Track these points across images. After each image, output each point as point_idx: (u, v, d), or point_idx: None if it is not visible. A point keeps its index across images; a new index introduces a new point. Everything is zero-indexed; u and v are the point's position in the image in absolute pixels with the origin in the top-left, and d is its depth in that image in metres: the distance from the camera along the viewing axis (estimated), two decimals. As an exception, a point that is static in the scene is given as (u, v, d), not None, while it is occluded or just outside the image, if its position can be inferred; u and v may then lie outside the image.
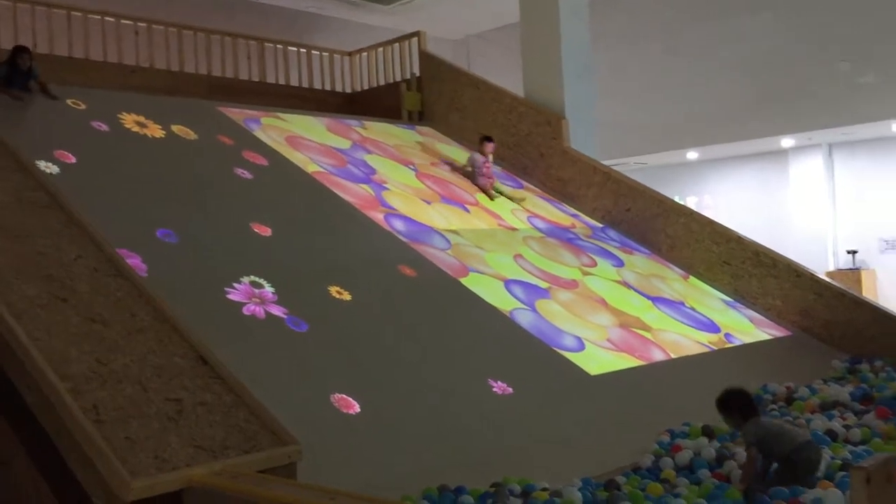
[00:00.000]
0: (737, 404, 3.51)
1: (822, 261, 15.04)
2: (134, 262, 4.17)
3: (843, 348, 6.17)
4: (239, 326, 4.10)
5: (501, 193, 7.56)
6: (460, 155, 8.27)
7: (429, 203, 6.73)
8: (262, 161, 6.24)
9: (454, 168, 7.89)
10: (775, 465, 3.40)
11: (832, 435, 4.11)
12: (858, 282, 14.47)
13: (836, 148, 15.78)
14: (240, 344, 3.93)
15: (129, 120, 6.10)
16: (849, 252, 15.28)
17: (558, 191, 8.04)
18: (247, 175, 5.89)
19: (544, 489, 3.36)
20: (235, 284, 4.42)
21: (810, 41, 11.64)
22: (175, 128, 6.24)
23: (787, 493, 3.18)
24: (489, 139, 7.87)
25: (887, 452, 3.68)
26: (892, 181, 15.20)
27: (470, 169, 7.76)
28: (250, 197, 5.62)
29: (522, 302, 5.54)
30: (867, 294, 13.17)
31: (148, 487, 2.38)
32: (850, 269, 15.17)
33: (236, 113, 7.09)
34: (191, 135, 6.24)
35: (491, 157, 7.81)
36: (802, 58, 11.68)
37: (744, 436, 3.44)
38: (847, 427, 4.24)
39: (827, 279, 6.85)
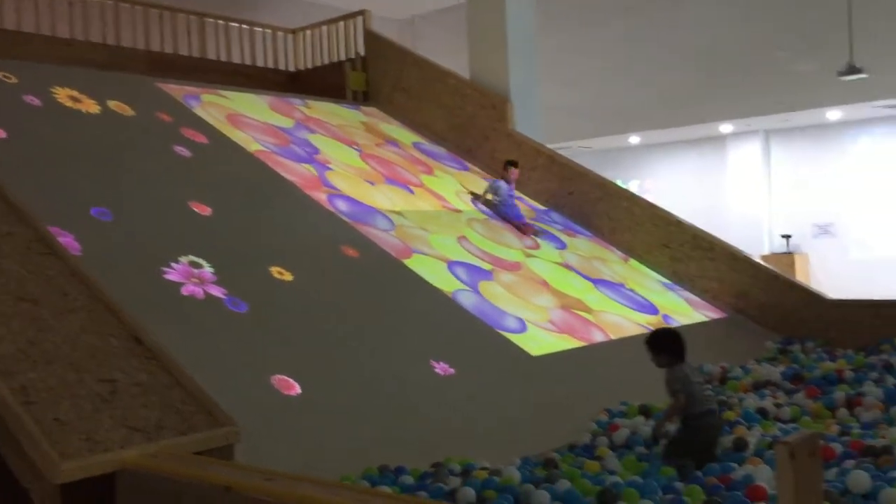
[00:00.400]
0: (668, 345, 3.51)
1: (757, 245, 15.43)
2: (66, 240, 4.05)
3: (777, 330, 6.35)
4: (176, 307, 4.03)
5: (538, 234, 6.68)
6: (404, 135, 8.22)
7: (372, 184, 6.69)
8: (202, 139, 6.11)
9: (475, 198, 7.11)
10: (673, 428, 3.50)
11: (763, 413, 4.23)
12: (792, 265, 14.90)
13: (773, 134, 16.17)
14: (177, 325, 3.86)
15: (63, 94, 5.91)
16: (783, 236, 15.71)
17: (502, 173, 8.06)
18: (186, 153, 5.76)
19: (484, 468, 3.39)
20: (173, 264, 4.33)
21: (751, 29, 11.88)
22: (111, 103, 6.07)
23: (717, 469, 3.26)
24: (514, 164, 7.15)
25: (812, 429, 3.82)
26: (826, 168, 15.64)
27: (491, 198, 6.96)
28: (189, 175, 5.50)
29: (465, 283, 5.56)
30: (800, 277, 13.57)
31: (79, 469, 2.32)
32: (784, 252, 15.59)
33: (175, 89, 6.92)
34: (127, 111, 6.08)
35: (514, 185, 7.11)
36: (742, 45, 11.90)
37: (671, 381, 3.44)
38: (778, 405, 4.37)
39: (762, 262, 7.03)
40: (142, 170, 5.29)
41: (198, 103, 6.83)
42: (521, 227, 6.73)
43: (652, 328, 5.87)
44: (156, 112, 6.25)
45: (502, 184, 7.10)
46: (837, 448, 3.41)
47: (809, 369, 5.04)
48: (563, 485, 3.08)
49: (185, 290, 4.16)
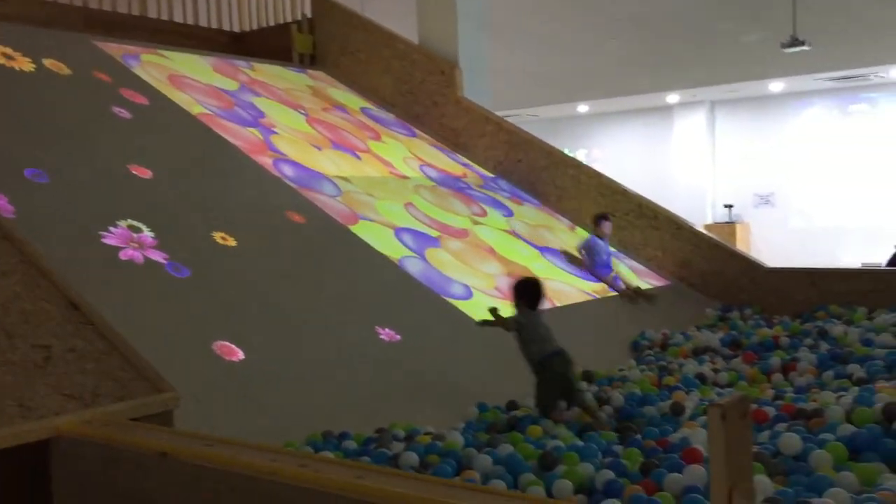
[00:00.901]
0: (528, 292, 3.78)
1: (700, 214, 15.73)
2: (-1, 202, 3.92)
3: (717, 297, 6.49)
4: (115, 272, 3.94)
5: (639, 293, 6.05)
6: (351, 100, 8.12)
7: (319, 149, 6.61)
8: (143, 100, 5.94)
9: (570, 259, 6.33)
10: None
11: (702, 378, 4.34)
12: (733, 234, 15.24)
13: (719, 105, 16.41)
14: (116, 290, 3.77)
15: (-5, 51, 5.68)
16: (726, 206, 16.03)
17: (451, 140, 8.04)
18: (125, 114, 5.60)
19: (428, 433, 3.41)
20: (112, 228, 4.22)
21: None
22: (47, 62, 5.85)
23: (655, 432, 3.34)
24: (606, 217, 6.43)
25: (748, 393, 3.92)
26: (768, 139, 15.96)
27: (583, 256, 6.30)
28: (129, 137, 5.35)
29: (412, 250, 5.54)
30: (741, 246, 13.89)
31: (12, 436, 2.26)
32: (727, 222, 15.92)
33: (114, 48, 6.71)
34: (64, 70, 5.87)
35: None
36: (689, 15, 12.00)
37: (515, 318, 3.76)
38: (716, 371, 4.48)
39: (704, 231, 7.15)
40: (79, 131, 5.13)
41: (137, 63, 6.63)
42: (625, 292, 6.04)
43: (597, 296, 5.96)
44: (93, 71, 6.05)
45: (598, 242, 6.30)
46: (771, 411, 3.52)
47: (747, 336, 5.17)
48: (505, 449, 3.11)
49: (123, 255, 4.06)
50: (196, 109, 6.24)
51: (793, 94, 15.45)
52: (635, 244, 7.02)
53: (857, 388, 3.73)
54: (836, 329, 5.01)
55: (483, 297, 5.28)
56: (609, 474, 2.83)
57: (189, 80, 6.79)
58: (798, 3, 10.43)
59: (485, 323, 3.98)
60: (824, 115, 15.64)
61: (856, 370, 4.10)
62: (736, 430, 1.40)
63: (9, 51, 5.76)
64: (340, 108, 7.82)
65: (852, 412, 3.22)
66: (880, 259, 13.05)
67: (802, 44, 10.50)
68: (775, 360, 4.51)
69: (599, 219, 6.42)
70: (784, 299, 6.11)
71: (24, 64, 5.69)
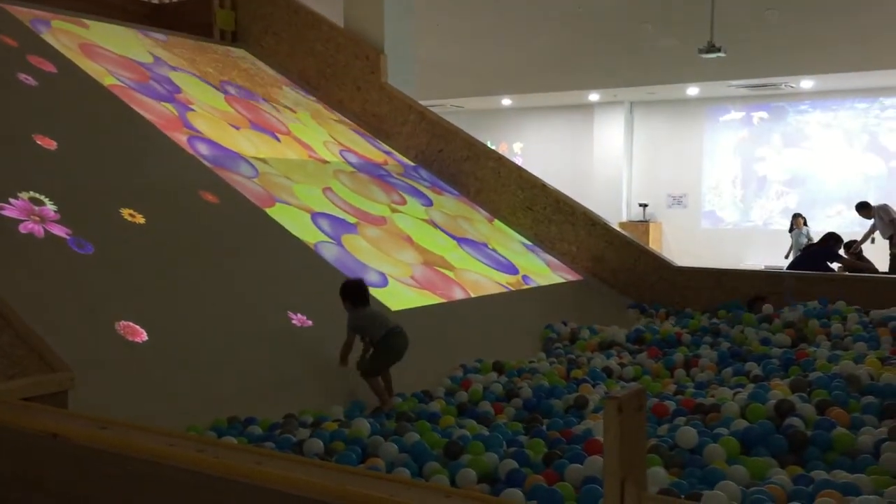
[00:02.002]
0: (351, 292, 4.06)
1: (616, 212, 16.07)
2: None
3: (627, 293, 6.65)
4: (13, 245, 3.76)
5: None
6: (272, 81, 7.97)
7: (237, 128, 6.46)
8: (50, 68, 5.69)
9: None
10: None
11: (608, 372, 4.44)
12: (647, 233, 15.63)
13: (637, 106, 16.79)
14: (13, 264, 3.61)
15: None
16: (640, 205, 16.43)
17: (373, 126, 7.98)
18: (31, 81, 5.35)
19: (336, 420, 3.39)
20: (11, 200, 4.03)
21: (623, 0, 12.18)
22: (-53, 21, 5.55)
23: (559, 423, 3.40)
24: (763, 299, 5.73)
25: (651, 388, 4.03)
26: (683, 141, 16.42)
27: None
28: (34, 106, 5.11)
29: (329, 235, 5.48)
30: (653, 245, 14.27)
31: None
32: (640, 221, 16.32)
33: (22, 12, 6.39)
34: (-34, 31, 5.58)
35: None
36: (612, 15, 12.21)
37: (349, 321, 4.00)
38: (622, 365, 4.59)
39: (618, 229, 7.31)
40: (-20, 96, 4.88)
41: (47, 29, 6.34)
42: None
43: (511, 288, 6.03)
44: (-1, 35, 5.76)
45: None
46: (671, 405, 3.63)
47: (651, 332, 5.31)
48: (412, 437, 3.12)
49: (23, 228, 3.89)
50: (108, 80, 6.01)
51: (708, 100, 15.93)
52: (551, 238, 7.12)
53: (752, 385, 3.88)
54: (737, 328, 5.20)
55: (398, 285, 5.27)
56: (512, 464, 2.87)
57: (102, 50, 6.54)
58: (716, 11, 10.74)
59: (343, 360, 4.04)
60: (737, 121, 16.19)
61: (753, 368, 4.26)
62: (631, 422, 1.43)
63: None
64: (260, 87, 7.66)
65: (747, 408, 3.34)
66: (781, 262, 13.62)
67: (718, 50, 10.82)
68: (678, 356, 4.65)
69: (757, 300, 5.84)
70: (691, 297, 6.30)
71: (-78, 22, 5.38)
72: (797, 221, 13.78)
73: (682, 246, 15.70)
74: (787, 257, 13.45)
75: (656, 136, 16.53)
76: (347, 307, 4.04)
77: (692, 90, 15.16)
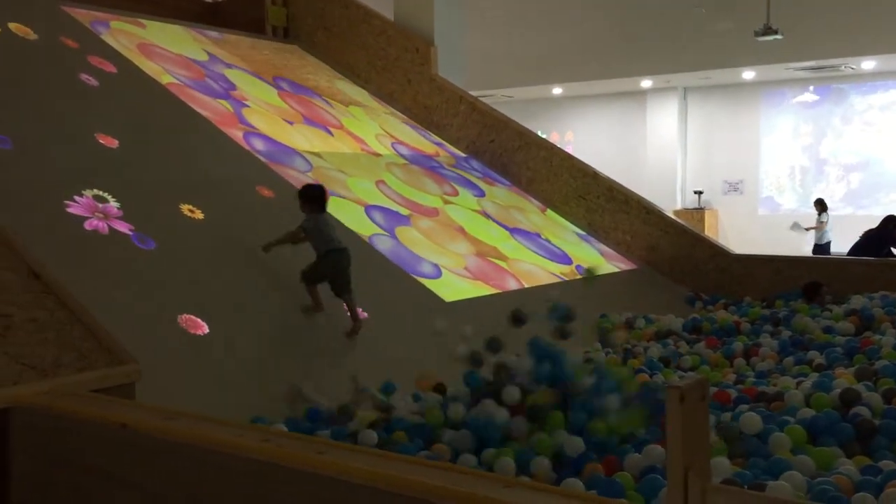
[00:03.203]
0: (310, 197, 4.26)
1: (671, 199, 15.83)
2: (-40, 168, 3.84)
3: (683, 282, 6.56)
4: (79, 242, 3.87)
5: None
6: (325, 75, 8.04)
7: (291, 123, 6.54)
8: (111, 68, 5.83)
9: None
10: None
11: (665, 361, 4.39)
12: (702, 220, 15.35)
13: (691, 92, 16.47)
14: (80, 260, 3.72)
15: (-42, 13, 5.54)
16: (695, 192, 16.15)
17: (424, 118, 8.00)
18: (92, 82, 5.49)
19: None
20: (76, 197, 4.15)
21: (674, -15, 11.97)
22: (12, 26, 5.71)
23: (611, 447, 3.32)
24: (820, 286, 5.64)
25: (710, 377, 3.97)
26: (739, 126, 16.08)
27: None
28: (96, 105, 5.25)
29: (382, 228, 5.52)
30: (709, 232, 14.03)
31: (-32, 406, 2.23)
32: (696, 208, 16.04)
33: (83, 14, 6.56)
34: (30, 34, 5.73)
35: None
36: (665, 2, 12.00)
37: (304, 221, 4.19)
38: (679, 355, 4.54)
39: (672, 217, 7.21)
40: (45, 97, 5.02)
41: (106, 30, 6.50)
42: None
43: (565, 278, 6.00)
44: (61, 37, 5.92)
45: None
46: (733, 393, 3.57)
47: (709, 321, 5.23)
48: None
49: (88, 225, 4.00)
50: (166, 79, 6.14)
51: (765, 83, 15.57)
52: (605, 227, 7.06)
53: (816, 374, 3.79)
54: (798, 316, 5.09)
55: (452, 276, 5.29)
56: (580, 447, 2.87)
57: (159, 49, 6.68)
58: (773, -8, 10.48)
59: (269, 246, 4.31)
60: (795, 104, 15.80)
61: (816, 356, 4.17)
62: (694, 412, 1.42)
63: (-27, 13, 5.61)
64: (312, 82, 7.74)
65: (811, 397, 3.28)
66: (844, 248, 13.27)
67: (775, 32, 10.56)
68: (738, 344, 4.57)
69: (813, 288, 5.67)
70: (748, 285, 6.19)
71: (-11, 27, 5.55)
72: (819, 206, 13.47)
73: (738, 233, 15.40)
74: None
75: (711, 121, 16.21)
76: (305, 210, 4.23)
77: (748, 74, 14.82)
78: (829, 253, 12.39)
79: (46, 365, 2.48)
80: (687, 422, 1.39)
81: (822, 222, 13.15)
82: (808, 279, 5.75)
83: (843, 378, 3.51)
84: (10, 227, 3.11)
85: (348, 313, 4.21)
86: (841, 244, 13.35)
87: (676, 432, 1.38)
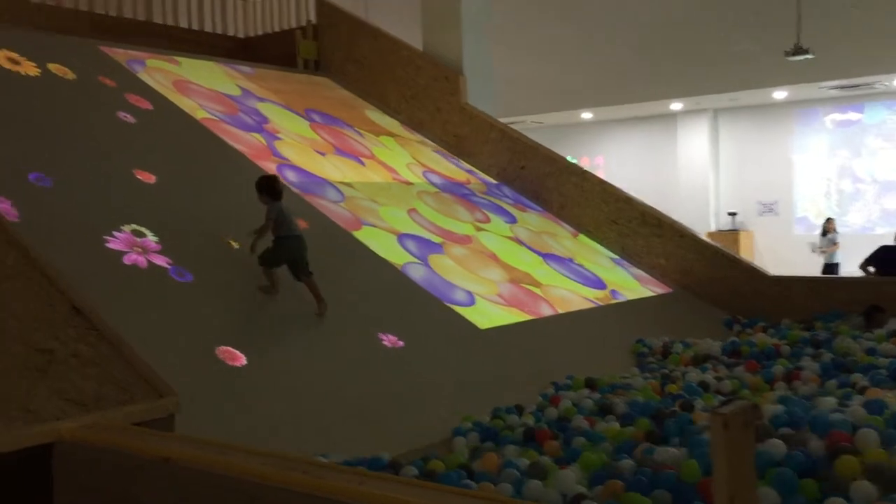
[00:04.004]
0: (266, 187, 4.47)
1: (704, 222, 15.69)
2: (3, 206, 3.93)
3: (719, 305, 6.48)
4: (119, 276, 3.94)
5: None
6: (355, 106, 8.13)
7: (323, 154, 6.62)
8: (147, 105, 5.96)
9: None
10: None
11: (705, 386, 4.32)
12: (737, 242, 15.19)
13: (722, 113, 16.38)
14: (119, 294, 3.78)
15: (1, 56, 5.69)
16: (729, 214, 16.00)
17: (454, 146, 8.05)
18: (130, 119, 5.61)
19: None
20: (115, 233, 4.23)
21: (701, 6, 11.96)
22: (52, 66, 5.87)
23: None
24: (882, 310, 5.43)
25: (748, 400, 3.90)
26: (771, 146, 15.94)
27: None
28: (133, 142, 5.36)
29: (415, 256, 5.54)
30: (745, 254, 13.87)
31: (14, 440, 2.27)
32: (730, 230, 15.88)
33: (119, 53, 6.73)
34: (69, 74, 5.89)
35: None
36: (693, 23, 11.99)
37: (267, 213, 4.39)
38: (718, 379, 4.47)
39: (706, 239, 7.15)
40: (83, 135, 5.14)
41: (142, 68, 6.65)
42: None
43: (600, 303, 5.96)
44: (98, 76, 6.07)
45: None
46: (774, 419, 3.50)
47: (748, 344, 5.15)
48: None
49: (127, 259, 4.07)
50: (200, 114, 6.26)
51: (797, 102, 15.44)
52: (638, 252, 7.01)
53: (860, 397, 3.71)
54: (840, 338, 5.00)
55: (486, 303, 5.28)
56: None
57: (193, 86, 6.81)
58: (802, 11, 10.43)
59: (253, 245, 4.46)
60: (828, 123, 15.63)
61: (859, 379, 4.09)
62: (739, 439, 1.40)
63: (14, 55, 5.78)
64: (343, 113, 7.83)
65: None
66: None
67: (807, 52, 10.49)
68: (779, 368, 4.50)
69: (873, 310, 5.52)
70: (786, 307, 6.09)
71: (30, 68, 5.71)
72: (830, 225, 13.31)
73: (775, 254, 15.21)
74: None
75: (743, 142, 16.09)
76: (264, 200, 4.44)
77: (779, 94, 14.72)
78: (837, 273, 12.40)
79: (88, 399, 2.51)
80: (732, 449, 1.37)
81: (834, 243, 13.06)
82: (869, 302, 5.59)
83: (891, 400, 3.43)
84: (53, 262, 3.17)
85: (313, 297, 4.41)
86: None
87: (721, 460, 1.36)
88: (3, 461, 2.28)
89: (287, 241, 4.37)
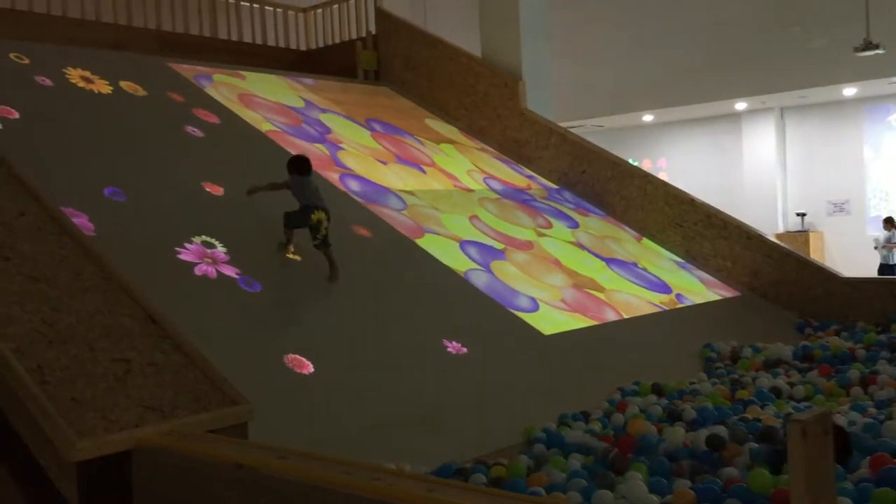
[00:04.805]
0: (297, 164, 4.88)
1: (772, 223, 15.33)
2: (80, 220, 4.07)
3: (789, 308, 6.32)
4: (190, 287, 4.05)
5: None
6: (416, 114, 8.19)
7: (384, 163, 6.68)
8: (214, 119, 6.11)
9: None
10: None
11: (776, 392, 4.23)
12: (806, 243, 14.79)
13: (788, 112, 16.00)
14: (191, 304, 3.88)
15: (75, 75, 5.92)
16: (798, 214, 15.59)
17: (514, 152, 8.04)
18: (198, 133, 5.77)
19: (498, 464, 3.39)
20: (186, 244, 4.35)
21: (766, 4, 11.73)
22: (123, 83, 6.07)
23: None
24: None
25: (825, 407, 3.80)
26: (841, 145, 15.50)
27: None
28: (201, 155, 5.51)
29: (478, 263, 5.55)
30: (815, 255, 13.50)
31: (94, 447, 2.35)
32: (799, 231, 15.48)
33: (187, 69, 6.92)
34: (140, 91, 6.08)
35: None
36: (757, 21, 11.76)
37: (289, 181, 4.81)
38: (791, 384, 4.36)
39: (775, 241, 6.98)
40: (154, 150, 5.30)
41: (209, 83, 6.82)
42: None
43: (665, 308, 5.87)
44: (167, 92, 6.25)
45: None
46: (851, 426, 3.40)
47: (821, 348, 5.02)
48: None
49: (198, 270, 4.18)
50: (265, 126, 6.39)
51: (867, 99, 14.98)
52: (703, 254, 6.89)
53: (942, 403, 3.58)
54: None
55: (549, 308, 5.26)
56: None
57: (258, 99, 6.96)
58: (871, 5, 10.13)
59: (252, 191, 4.94)
60: (900, 120, 15.11)
61: (940, 384, 3.94)
62: (817, 447, 1.37)
63: (87, 74, 5.99)
64: (404, 122, 7.90)
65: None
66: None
67: (877, 47, 10.18)
68: (854, 372, 4.37)
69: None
70: (860, 309, 5.91)
71: (102, 86, 5.92)
72: (890, 224, 12.77)
73: (846, 255, 14.75)
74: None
75: (812, 140, 15.67)
76: (292, 173, 4.84)
77: (849, 90, 14.30)
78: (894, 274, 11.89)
79: (165, 407, 2.59)
80: (811, 458, 1.34)
81: (892, 242, 12.57)
82: None
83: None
84: (129, 274, 3.27)
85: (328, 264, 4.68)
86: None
87: (800, 469, 1.33)
88: (85, 468, 2.36)
89: (307, 209, 4.68)
